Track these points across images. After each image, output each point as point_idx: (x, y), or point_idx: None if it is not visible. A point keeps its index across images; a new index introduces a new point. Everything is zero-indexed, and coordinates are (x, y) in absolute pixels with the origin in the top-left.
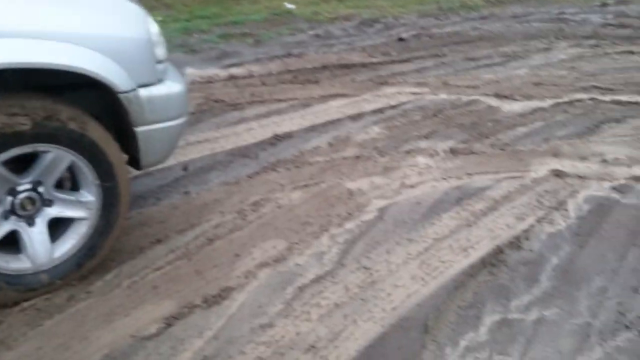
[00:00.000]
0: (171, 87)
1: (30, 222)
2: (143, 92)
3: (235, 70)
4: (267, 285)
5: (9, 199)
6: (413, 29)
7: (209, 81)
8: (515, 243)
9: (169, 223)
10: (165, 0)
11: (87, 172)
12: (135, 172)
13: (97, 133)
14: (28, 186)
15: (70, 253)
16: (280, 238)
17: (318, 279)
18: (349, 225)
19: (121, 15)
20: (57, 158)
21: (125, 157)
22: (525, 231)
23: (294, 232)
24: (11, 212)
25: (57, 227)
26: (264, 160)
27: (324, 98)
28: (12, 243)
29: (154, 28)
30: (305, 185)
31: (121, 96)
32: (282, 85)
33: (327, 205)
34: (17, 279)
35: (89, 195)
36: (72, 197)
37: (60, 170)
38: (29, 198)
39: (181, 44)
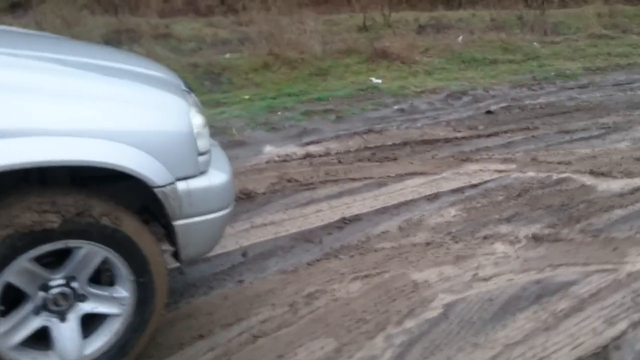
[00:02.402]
0: (214, 178)
1: (62, 317)
2: (181, 185)
3: (312, 148)
4: None
5: (41, 294)
6: (503, 100)
7: (285, 160)
8: (602, 354)
9: (216, 315)
10: (254, 79)
11: (121, 268)
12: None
13: (132, 228)
14: (61, 281)
15: (102, 350)
16: (331, 337)
17: None
18: (409, 323)
19: (160, 108)
20: (90, 253)
21: (160, 251)
22: (616, 339)
23: (346, 331)
24: (43, 307)
25: (90, 322)
26: (328, 245)
27: (401, 177)
28: (41, 338)
29: (198, 120)
30: (367, 275)
31: (157, 190)
32: (359, 164)
33: (387, 299)
34: None
35: (123, 291)
36: (106, 293)
37: (93, 265)
38: (62, 293)
39: (264, 121)
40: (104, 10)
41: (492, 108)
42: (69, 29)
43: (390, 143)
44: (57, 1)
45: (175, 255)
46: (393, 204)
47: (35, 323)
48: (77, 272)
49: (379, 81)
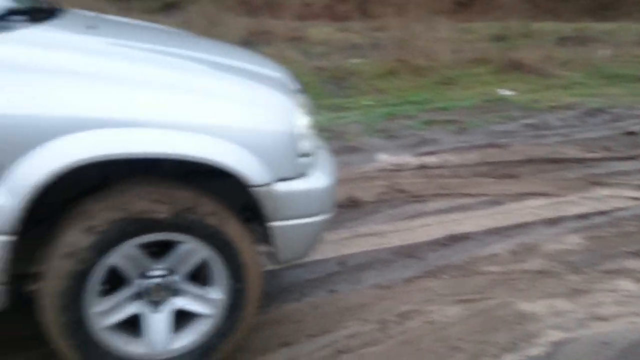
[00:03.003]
0: (315, 181)
1: (155, 308)
2: (280, 186)
3: (428, 159)
4: None
5: (141, 281)
6: None
7: (398, 169)
8: None
9: (304, 324)
10: (379, 85)
11: (219, 269)
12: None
13: (235, 231)
14: (161, 272)
15: (187, 348)
16: None
17: None
18: (508, 358)
19: (262, 106)
20: (192, 250)
21: (258, 259)
22: None
23: (437, 357)
24: (140, 295)
25: (181, 319)
26: (430, 263)
27: (520, 196)
28: (133, 325)
29: (302, 121)
30: (468, 300)
31: (254, 189)
32: (476, 179)
33: (487, 329)
34: None
35: (218, 293)
36: (200, 292)
37: (193, 262)
38: (160, 285)
39: (382, 129)
40: (247, 12)
41: (634, 129)
42: (213, 28)
43: (512, 159)
44: (207, 2)
45: (272, 257)
46: (507, 224)
47: (131, 309)
48: (177, 267)
49: (509, 93)
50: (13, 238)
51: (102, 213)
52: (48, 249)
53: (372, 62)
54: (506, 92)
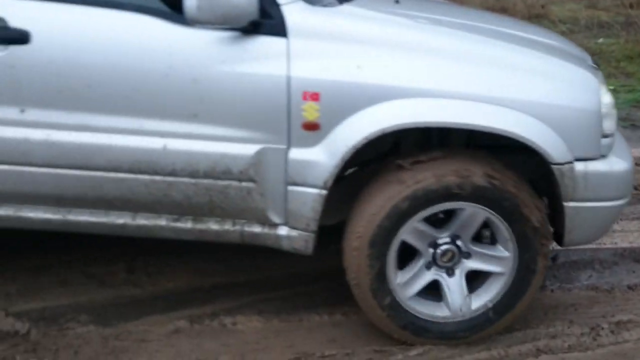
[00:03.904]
0: (614, 164)
1: (449, 272)
2: (579, 166)
3: None
4: None
5: (431, 250)
6: None
7: (638, 163)
8: None
9: None
10: (627, 68)
11: (503, 230)
12: None
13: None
14: (447, 239)
15: (486, 307)
16: None
17: None
18: None
19: (568, 82)
20: (473, 215)
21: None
22: None
23: None
24: (433, 262)
25: (475, 280)
26: None
27: None
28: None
29: (607, 99)
30: None
31: (554, 167)
32: None
33: None
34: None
35: (505, 251)
36: (489, 252)
37: (475, 226)
38: (449, 250)
39: (625, 116)
40: None
41: None
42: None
43: None
44: None
45: (556, 237)
46: None
47: (428, 277)
48: (461, 232)
49: None
50: (325, 192)
51: (416, 180)
52: (354, 211)
53: (620, 43)
54: None
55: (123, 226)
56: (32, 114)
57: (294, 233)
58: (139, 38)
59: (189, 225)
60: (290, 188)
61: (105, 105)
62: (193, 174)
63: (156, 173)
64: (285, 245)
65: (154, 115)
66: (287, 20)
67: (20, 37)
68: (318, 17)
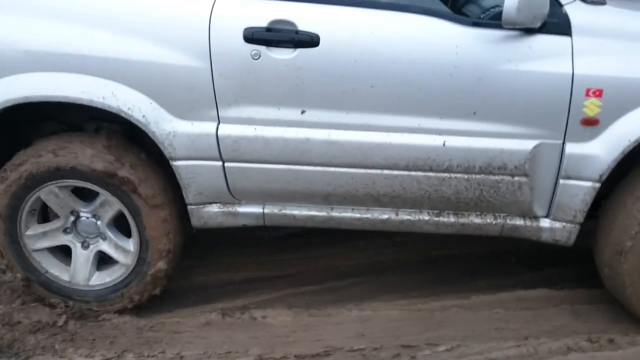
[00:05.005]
0: None
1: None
2: None
3: None
4: None
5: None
6: None
7: None
8: None
9: None
10: None
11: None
12: None
13: None
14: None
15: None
16: None
17: None
18: None
19: None
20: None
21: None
22: None
23: None
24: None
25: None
26: None
27: None
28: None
29: None
30: None
31: None
32: None
33: None
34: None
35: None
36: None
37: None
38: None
39: None
40: None
41: None
42: None
43: None
44: None
45: None
46: None
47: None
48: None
49: None
50: (598, 185)
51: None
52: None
53: None
54: None
55: (385, 221)
56: (312, 115)
57: (557, 225)
58: (426, 39)
59: (451, 219)
60: (563, 182)
61: (387, 105)
62: (468, 170)
63: (431, 170)
64: (545, 237)
65: (433, 113)
66: (571, 19)
67: (311, 41)
68: (596, 15)
